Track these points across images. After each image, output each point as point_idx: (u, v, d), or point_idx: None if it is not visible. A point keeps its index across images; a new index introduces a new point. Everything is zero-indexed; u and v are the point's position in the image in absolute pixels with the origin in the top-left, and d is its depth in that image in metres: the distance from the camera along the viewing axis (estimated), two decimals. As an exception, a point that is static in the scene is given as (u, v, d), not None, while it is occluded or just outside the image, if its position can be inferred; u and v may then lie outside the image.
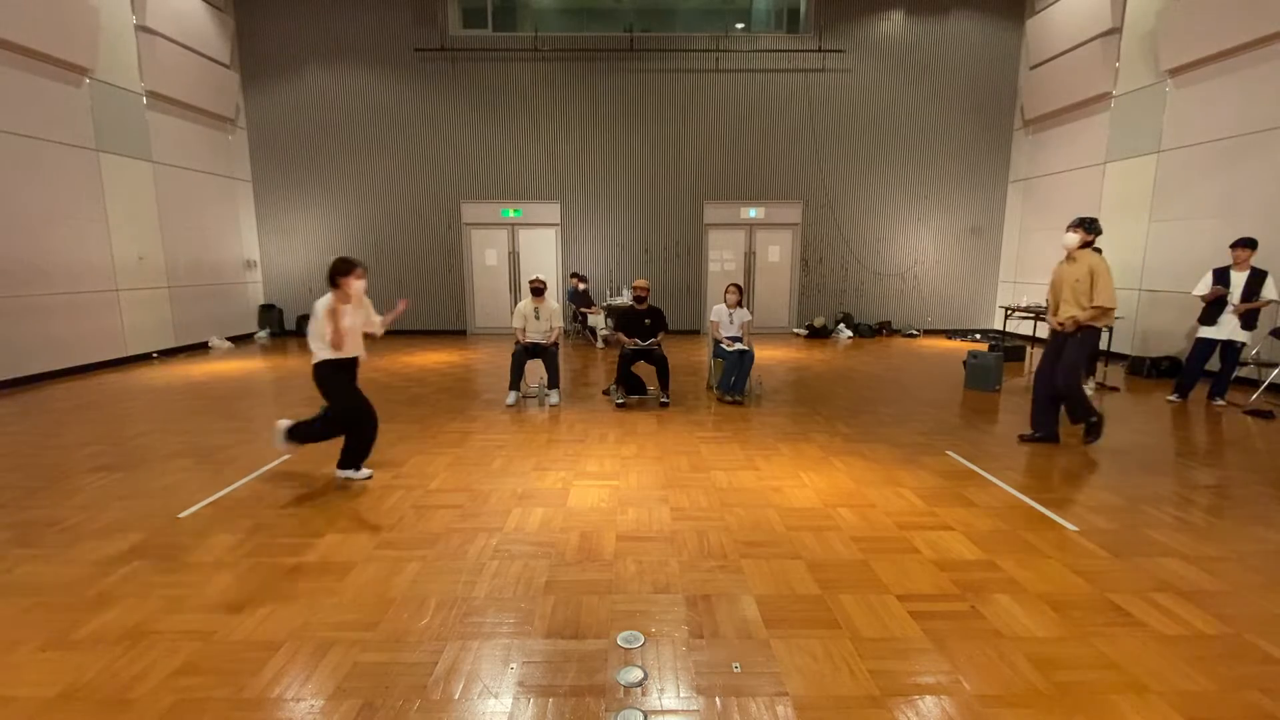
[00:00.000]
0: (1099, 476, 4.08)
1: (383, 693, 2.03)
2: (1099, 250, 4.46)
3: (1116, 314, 8.06)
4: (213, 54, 9.94)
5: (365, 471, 4.00)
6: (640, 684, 2.07)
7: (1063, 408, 4.71)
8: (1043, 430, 4.76)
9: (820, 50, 10.78)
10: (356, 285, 3.76)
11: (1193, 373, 6.10)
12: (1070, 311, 4.49)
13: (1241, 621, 2.43)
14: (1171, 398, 6.24)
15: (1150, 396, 6.52)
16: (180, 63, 9.22)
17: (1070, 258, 4.50)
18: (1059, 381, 4.54)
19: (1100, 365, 7.52)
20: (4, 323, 6.80)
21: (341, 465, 3.96)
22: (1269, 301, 5.75)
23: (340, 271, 3.71)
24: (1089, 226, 4.40)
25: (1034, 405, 4.81)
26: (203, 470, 4.18)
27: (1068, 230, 4.48)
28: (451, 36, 10.83)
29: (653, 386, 6.35)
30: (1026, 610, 2.50)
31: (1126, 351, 8.38)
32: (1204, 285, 6.02)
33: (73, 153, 7.58)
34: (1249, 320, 5.83)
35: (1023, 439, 4.82)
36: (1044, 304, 5.98)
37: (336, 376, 3.81)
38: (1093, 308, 4.37)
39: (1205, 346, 6.03)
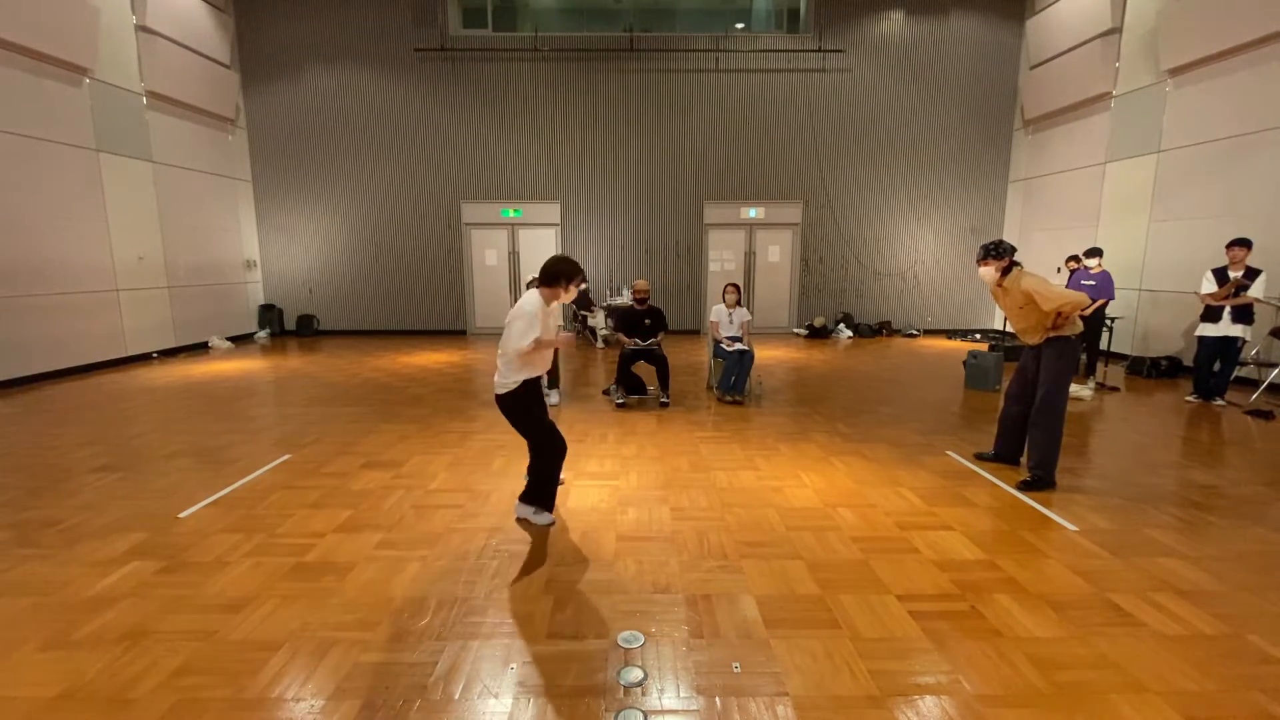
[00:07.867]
0: (1099, 477, 4.07)
1: (383, 693, 2.03)
2: (1018, 264, 3.92)
3: (1118, 315, 8.19)
4: (213, 54, 9.94)
5: (549, 517, 3.35)
6: (640, 684, 2.07)
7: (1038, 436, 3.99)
8: (1003, 450, 4.29)
9: (820, 50, 10.77)
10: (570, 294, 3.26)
11: (1203, 373, 6.14)
12: (1034, 337, 3.93)
13: (1241, 621, 2.43)
14: (1190, 398, 6.27)
15: (1151, 396, 6.52)
16: (180, 63, 9.21)
17: (1000, 288, 3.95)
18: (1039, 416, 3.88)
19: (1100, 365, 7.52)
20: (4, 323, 6.80)
21: (526, 499, 3.38)
22: (1254, 299, 5.79)
23: (569, 275, 3.16)
24: (997, 252, 3.87)
25: (1000, 424, 4.29)
26: (203, 470, 4.17)
27: (979, 266, 3.97)
28: (451, 36, 10.83)
29: (653, 386, 6.35)
30: (1026, 610, 2.50)
31: (1126, 351, 8.38)
32: (1209, 284, 6.03)
33: (73, 153, 7.58)
34: (1240, 314, 5.87)
35: (980, 458, 4.42)
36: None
37: (538, 400, 3.26)
38: (1052, 325, 3.81)
39: (1207, 343, 6.06)
